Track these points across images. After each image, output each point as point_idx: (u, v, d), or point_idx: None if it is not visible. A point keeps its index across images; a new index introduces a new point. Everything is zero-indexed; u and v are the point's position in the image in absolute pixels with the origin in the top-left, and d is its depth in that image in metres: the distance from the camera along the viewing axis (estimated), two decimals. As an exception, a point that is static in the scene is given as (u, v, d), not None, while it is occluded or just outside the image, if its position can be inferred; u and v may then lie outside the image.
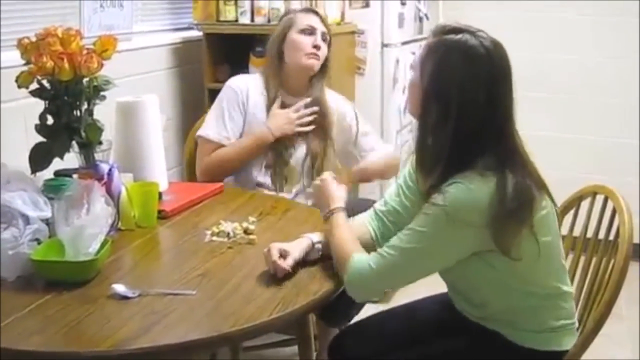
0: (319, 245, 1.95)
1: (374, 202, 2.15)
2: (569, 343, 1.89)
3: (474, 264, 1.79)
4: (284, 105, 2.69)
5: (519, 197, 1.72)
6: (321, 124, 2.71)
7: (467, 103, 1.73)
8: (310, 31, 2.68)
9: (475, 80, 1.73)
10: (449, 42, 1.77)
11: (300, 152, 2.71)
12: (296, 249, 1.89)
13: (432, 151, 1.78)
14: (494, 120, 1.76)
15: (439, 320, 2.03)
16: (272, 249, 1.84)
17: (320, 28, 2.70)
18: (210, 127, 2.67)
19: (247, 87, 2.71)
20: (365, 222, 2.04)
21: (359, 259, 1.81)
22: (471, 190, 1.70)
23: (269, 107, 2.68)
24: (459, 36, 1.77)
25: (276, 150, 2.67)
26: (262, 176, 2.68)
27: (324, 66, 2.73)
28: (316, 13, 2.76)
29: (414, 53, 3.69)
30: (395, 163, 2.79)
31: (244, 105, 2.69)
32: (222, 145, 2.65)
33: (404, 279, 1.87)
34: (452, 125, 1.73)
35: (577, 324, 1.95)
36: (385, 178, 2.86)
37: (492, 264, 1.78)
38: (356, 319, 2.37)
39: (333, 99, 2.79)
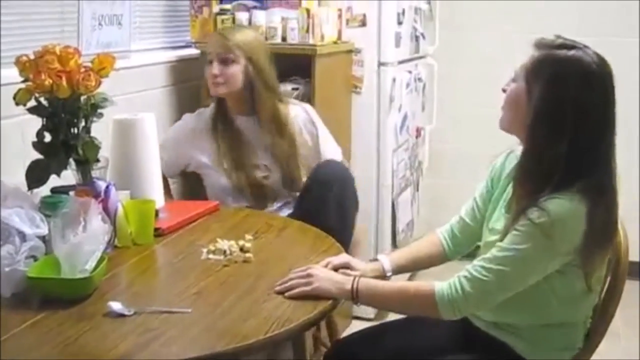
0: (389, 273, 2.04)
1: None
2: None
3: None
4: (231, 122, 2.76)
5: (606, 226, 1.71)
6: (283, 140, 2.74)
7: (581, 124, 1.68)
8: (210, 59, 2.71)
9: (590, 100, 1.69)
10: (562, 58, 1.72)
11: (275, 175, 2.76)
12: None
13: (538, 171, 1.72)
14: (602, 142, 1.72)
15: (445, 330, 2.01)
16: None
17: (216, 52, 2.69)
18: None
19: (195, 133, 2.81)
20: (435, 234, 2.12)
21: (441, 289, 1.74)
22: (570, 207, 1.66)
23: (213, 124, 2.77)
24: (572, 52, 1.72)
25: (252, 184, 2.72)
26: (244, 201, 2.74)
27: (251, 81, 2.70)
28: (217, 35, 2.77)
29: (410, 72, 3.73)
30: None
31: (187, 152, 2.81)
32: None
33: (496, 298, 1.76)
34: (565, 146, 1.68)
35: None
36: None
37: (559, 285, 1.76)
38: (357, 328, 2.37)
39: (292, 109, 2.82)
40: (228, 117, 2.78)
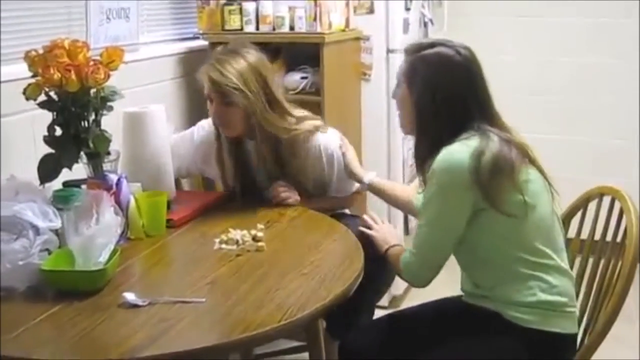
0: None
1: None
2: (570, 327, 1.93)
3: (471, 228, 1.94)
4: (238, 146, 2.56)
5: (497, 155, 1.89)
6: (291, 165, 2.53)
7: (454, 99, 1.98)
8: (209, 97, 2.45)
9: (456, 82, 1.99)
10: (428, 57, 2.02)
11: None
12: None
13: (431, 142, 1.98)
14: (476, 100, 1.99)
15: (444, 315, 2.10)
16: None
17: (213, 90, 2.40)
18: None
19: (204, 149, 2.63)
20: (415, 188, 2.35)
21: (403, 255, 2.07)
22: (451, 152, 1.92)
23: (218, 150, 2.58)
24: (435, 49, 2.02)
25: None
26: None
27: (249, 113, 2.41)
28: (208, 72, 2.41)
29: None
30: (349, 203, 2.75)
31: (195, 165, 2.68)
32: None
33: (441, 247, 2.00)
34: (443, 116, 1.98)
35: (577, 311, 1.98)
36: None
37: (484, 224, 1.93)
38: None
39: (315, 144, 2.53)
40: (240, 146, 2.58)
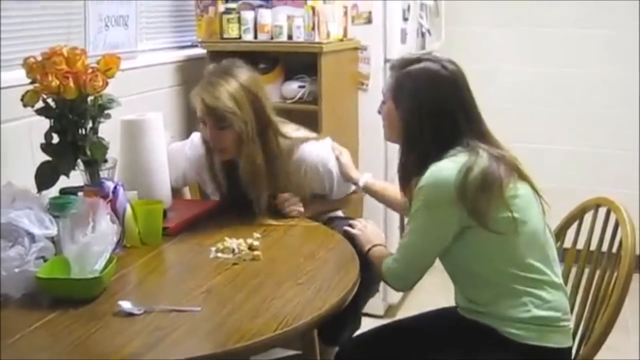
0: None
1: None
2: (565, 341, 1.93)
3: (460, 244, 1.93)
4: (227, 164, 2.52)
5: (484, 171, 1.89)
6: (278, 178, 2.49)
7: (441, 115, 1.99)
8: (202, 120, 2.41)
9: (442, 96, 1.99)
10: (414, 73, 2.02)
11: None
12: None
13: (419, 158, 1.99)
14: (464, 114, 1.99)
15: (441, 327, 2.09)
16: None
17: (207, 113, 2.36)
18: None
19: (200, 153, 2.58)
20: None
21: (386, 260, 2.09)
22: (439, 169, 1.92)
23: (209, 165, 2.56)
24: (421, 65, 2.03)
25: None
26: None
27: (242, 137, 2.37)
28: (201, 96, 2.36)
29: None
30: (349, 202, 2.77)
31: (194, 172, 2.65)
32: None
33: (423, 257, 2.03)
34: (430, 131, 1.98)
35: (571, 325, 1.98)
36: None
37: (474, 243, 1.93)
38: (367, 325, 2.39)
39: (308, 158, 2.52)
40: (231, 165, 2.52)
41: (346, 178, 2.61)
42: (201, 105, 2.35)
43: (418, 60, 2.05)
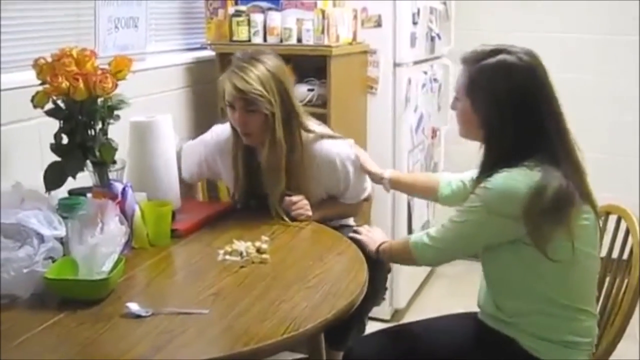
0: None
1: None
2: (584, 358, 1.90)
3: (511, 253, 1.88)
4: (252, 153, 2.56)
5: (558, 197, 1.80)
6: (297, 173, 2.52)
7: (520, 113, 1.88)
8: (231, 104, 2.44)
9: (522, 91, 1.89)
10: (490, 66, 1.91)
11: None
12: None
13: (495, 156, 1.92)
14: (545, 121, 1.89)
15: (457, 332, 2.07)
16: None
17: (237, 97, 2.39)
18: (182, 163, 2.69)
19: (222, 152, 2.62)
20: (438, 176, 2.49)
21: (415, 235, 2.08)
22: (512, 178, 1.83)
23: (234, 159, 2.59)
24: (497, 57, 1.91)
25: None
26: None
27: (268, 123, 2.42)
28: (231, 80, 2.40)
29: (425, 72, 3.71)
30: (359, 209, 2.74)
31: (217, 168, 2.68)
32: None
33: (462, 249, 2.01)
34: (511, 131, 1.88)
35: (594, 348, 1.95)
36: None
37: (526, 258, 1.86)
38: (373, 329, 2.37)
39: (326, 152, 2.54)
40: (249, 148, 2.57)
41: (370, 174, 2.61)
42: (231, 88, 2.39)
43: (492, 53, 1.93)
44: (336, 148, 2.55)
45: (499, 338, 1.92)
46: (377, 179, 2.61)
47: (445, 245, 2.00)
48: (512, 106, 1.88)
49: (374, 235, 2.33)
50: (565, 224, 1.81)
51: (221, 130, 2.66)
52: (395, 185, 2.61)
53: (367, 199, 2.72)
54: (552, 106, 1.92)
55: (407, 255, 2.09)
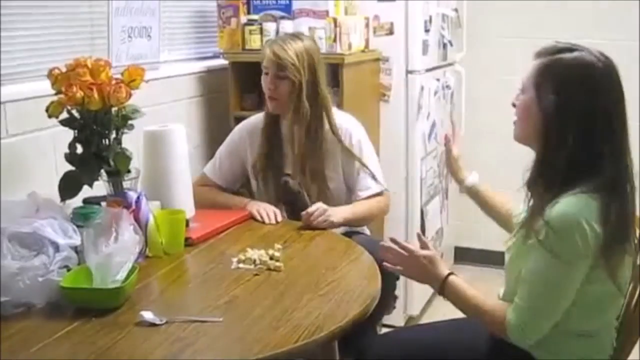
0: None
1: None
2: None
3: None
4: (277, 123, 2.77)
5: (621, 220, 1.69)
6: (318, 154, 2.72)
7: (589, 123, 1.71)
8: (266, 70, 2.71)
9: (597, 98, 1.72)
10: (566, 62, 1.76)
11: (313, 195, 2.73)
12: None
13: (549, 173, 1.75)
14: (612, 139, 1.73)
15: (473, 340, 2.00)
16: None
17: (273, 62, 2.67)
18: (210, 163, 2.88)
19: (252, 132, 2.82)
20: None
21: (510, 320, 1.77)
22: (578, 209, 1.67)
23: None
24: (575, 54, 1.76)
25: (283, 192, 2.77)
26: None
27: (294, 99, 2.67)
28: (271, 46, 2.70)
29: (438, 79, 3.72)
30: (378, 209, 2.79)
31: (245, 152, 2.82)
32: (214, 182, 2.83)
33: (548, 318, 1.77)
34: (575, 147, 1.70)
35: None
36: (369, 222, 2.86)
37: (583, 291, 1.73)
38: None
39: (342, 124, 2.76)
40: (277, 127, 2.81)
41: (453, 174, 2.38)
42: (269, 53, 2.68)
43: (571, 49, 1.78)
44: (353, 124, 2.80)
45: (514, 351, 1.85)
46: (459, 179, 2.34)
47: (535, 311, 1.76)
48: (580, 110, 1.71)
49: (410, 265, 1.96)
50: (631, 246, 1.72)
51: (249, 118, 2.88)
52: (473, 193, 2.30)
53: (380, 193, 2.74)
54: (621, 123, 1.76)
55: (498, 331, 1.83)
